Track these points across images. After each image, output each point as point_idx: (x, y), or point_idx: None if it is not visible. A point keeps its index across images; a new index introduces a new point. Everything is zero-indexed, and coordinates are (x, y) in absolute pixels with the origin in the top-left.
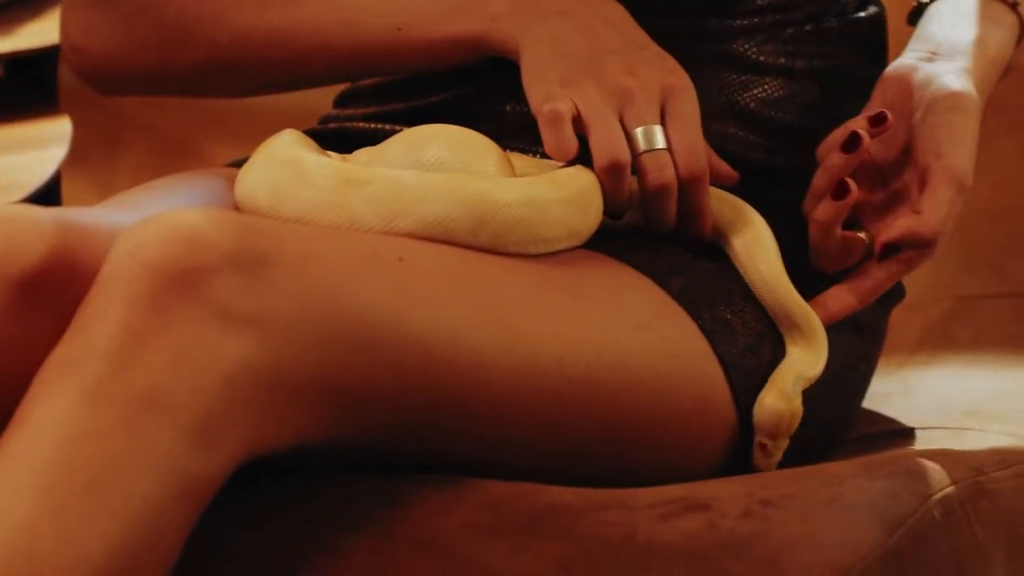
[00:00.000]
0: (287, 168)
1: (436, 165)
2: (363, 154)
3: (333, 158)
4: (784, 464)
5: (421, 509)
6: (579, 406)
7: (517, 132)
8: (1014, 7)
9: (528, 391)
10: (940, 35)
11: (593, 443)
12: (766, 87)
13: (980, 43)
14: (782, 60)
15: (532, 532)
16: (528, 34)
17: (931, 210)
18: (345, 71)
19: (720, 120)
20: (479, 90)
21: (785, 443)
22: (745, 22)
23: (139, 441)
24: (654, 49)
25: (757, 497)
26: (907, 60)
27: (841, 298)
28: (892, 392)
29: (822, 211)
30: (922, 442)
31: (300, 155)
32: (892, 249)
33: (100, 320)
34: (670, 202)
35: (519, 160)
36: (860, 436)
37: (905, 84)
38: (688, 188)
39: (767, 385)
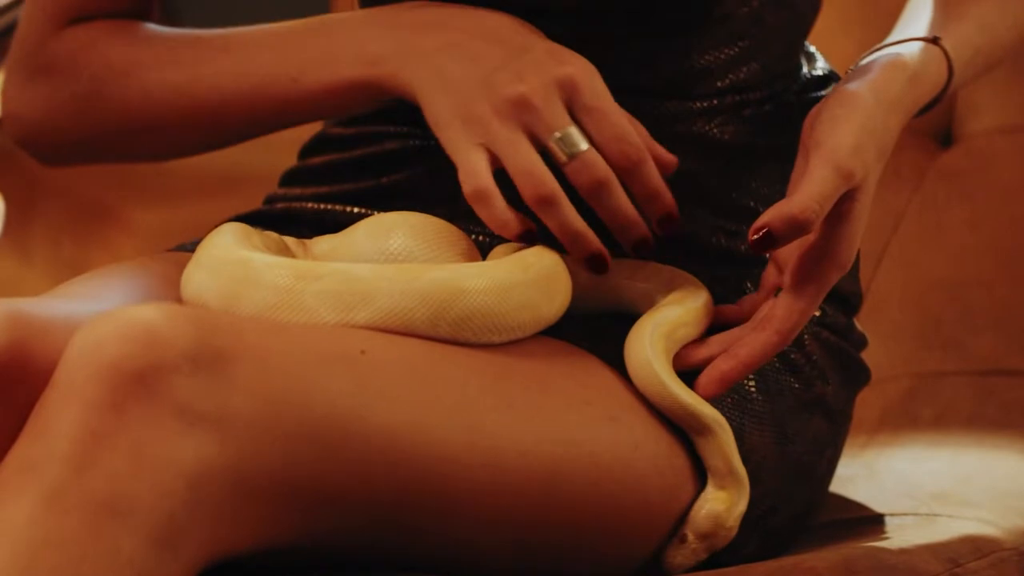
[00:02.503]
0: (235, 269)
1: (403, 255)
2: (325, 241)
3: (288, 243)
4: (753, 553)
5: None
6: (545, 500)
7: (470, 214)
8: (934, 41)
9: (493, 486)
10: (856, 66)
11: (560, 535)
12: (728, 167)
13: (890, 63)
14: (744, 140)
15: None
16: (415, 76)
17: (802, 188)
18: (252, 126)
19: (685, 205)
20: (429, 170)
21: (705, 555)
22: (705, 104)
23: (101, 548)
24: (541, 47)
25: None
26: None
27: (752, 339)
28: (856, 475)
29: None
30: (892, 530)
31: (246, 255)
32: (766, 239)
33: (58, 422)
34: (615, 199)
35: (498, 249)
36: (828, 522)
37: (807, 122)
38: (630, 176)
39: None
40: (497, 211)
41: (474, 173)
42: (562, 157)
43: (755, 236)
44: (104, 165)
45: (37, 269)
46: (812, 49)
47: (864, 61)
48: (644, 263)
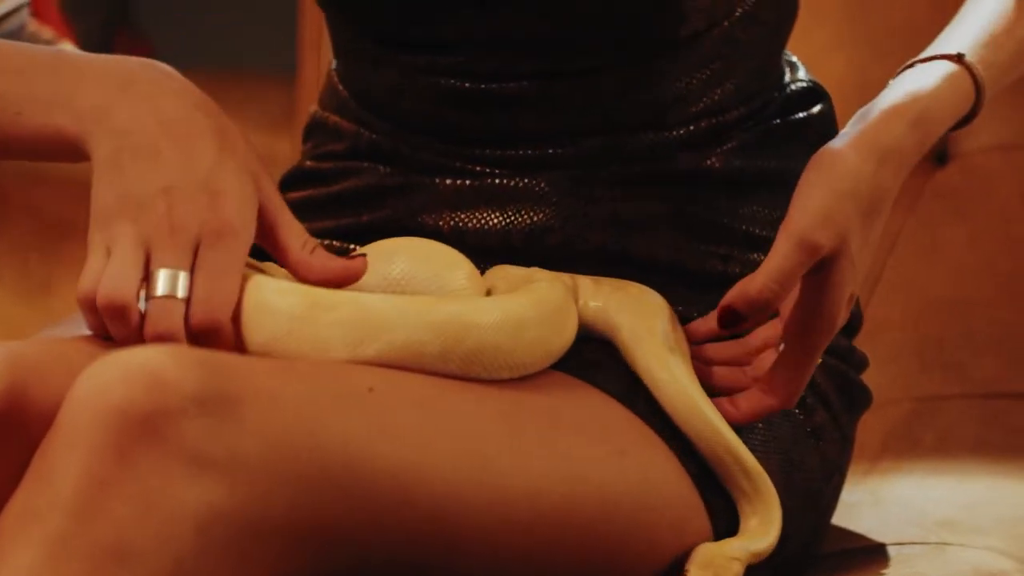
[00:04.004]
0: (247, 294)
1: (405, 280)
2: None
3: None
4: None
5: None
6: (554, 537)
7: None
8: (959, 59)
9: (502, 525)
10: (858, 112)
11: (569, 571)
12: (716, 196)
13: (891, 109)
14: (728, 167)
15: None
16: (97, 149)
17: (763, 266)
18: None
19: (671, 232)
20: (410, 207)
21: None
22: (682, 131)
23: None
24: (219, 180)
25: None
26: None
27: (754, 396)
28: (861, 502)
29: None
30: (902, 560)
31: (259, 279)
32: (732, 315)
33: (62, 468)
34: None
35: (495, 272)
36: (836, 552)
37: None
38: (200, 340)
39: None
40: (132, 328)
41: (89, 270)
42: (156, 291)
43: (720, 315)
44: (69, 180)
45: (5, 287)
46: (794, 59)
47: (877, 100)
48: (601, 280)
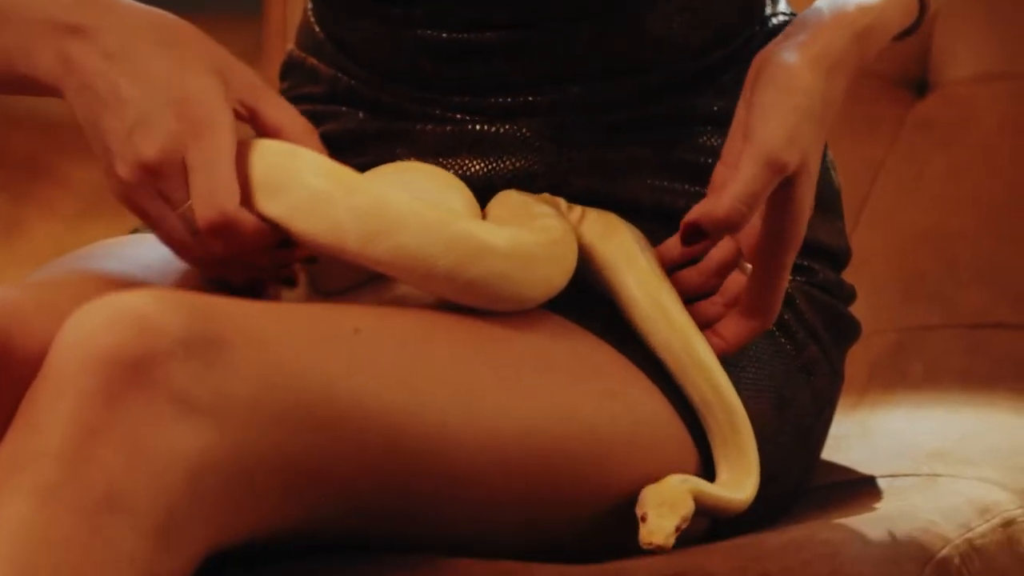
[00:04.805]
0: (280, 159)
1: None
2: None
3: None
4: (754, 521)
5: None
6: (545, 478)
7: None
8: None
9: (493, 465)
10: (799, 16)
11: (561, 512)
12: (699, 136)
13: (835, 19)
14: (714, 108)
15: None
16: (73, 105)
17: (731, 187)
18: None
19: (655, 174)
20: (391, 153)
21: (671, 526)
22: (664, 76)
23: (100, 546)
24: (179, 88)
25: (754, 571)
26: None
27: (735, 322)
28: (849, 434)
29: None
30: (895, 493)
31: (293, 147)
32: (695, 232)
33: (50, 416)
34: (189, 254)
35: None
36: (827, 484)
37: (751, 73)
38: (223, 233)
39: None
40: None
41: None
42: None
43: (684, 232)
44: (37, 118)
45: None
46: None
47: (823, 6)
48: (588, 210)
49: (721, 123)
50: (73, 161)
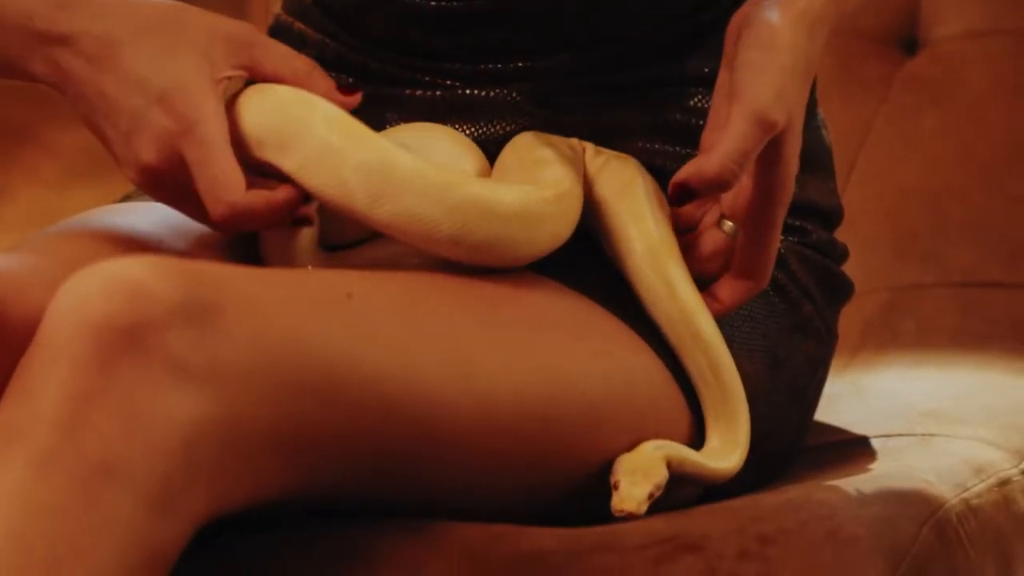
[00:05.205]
0: (297, 110)
1: (417, 150)
2: None
3: None
4: (748, 482)
5: (395, 564)
6: (540, 440)
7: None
8: None
9: (487, 428)
10: None
11: (556, 475)
12: (690, 98)
13: None
14: (705, 70)
15: None
16: (74, 110)
17: (721, 145)
18: None
19: (646, 137)
20: (382, 119)
21: (643, 493)
22: (655, 39)
23: (97, 513)
24: (161, 83)
25: (751, 533)
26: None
27: (730, 283)
28: (842, 393)
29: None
30: (890, 452)
31: (312, 99)
32: (685, 192)
33: (45, 383)
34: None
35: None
36: (821, 444)
37: (731, 32)
38: (245, 219)
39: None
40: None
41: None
42: None
43: (673, 192)
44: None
45: None
46: None
47: None
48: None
49: (712, 84)
50: (58, 126)
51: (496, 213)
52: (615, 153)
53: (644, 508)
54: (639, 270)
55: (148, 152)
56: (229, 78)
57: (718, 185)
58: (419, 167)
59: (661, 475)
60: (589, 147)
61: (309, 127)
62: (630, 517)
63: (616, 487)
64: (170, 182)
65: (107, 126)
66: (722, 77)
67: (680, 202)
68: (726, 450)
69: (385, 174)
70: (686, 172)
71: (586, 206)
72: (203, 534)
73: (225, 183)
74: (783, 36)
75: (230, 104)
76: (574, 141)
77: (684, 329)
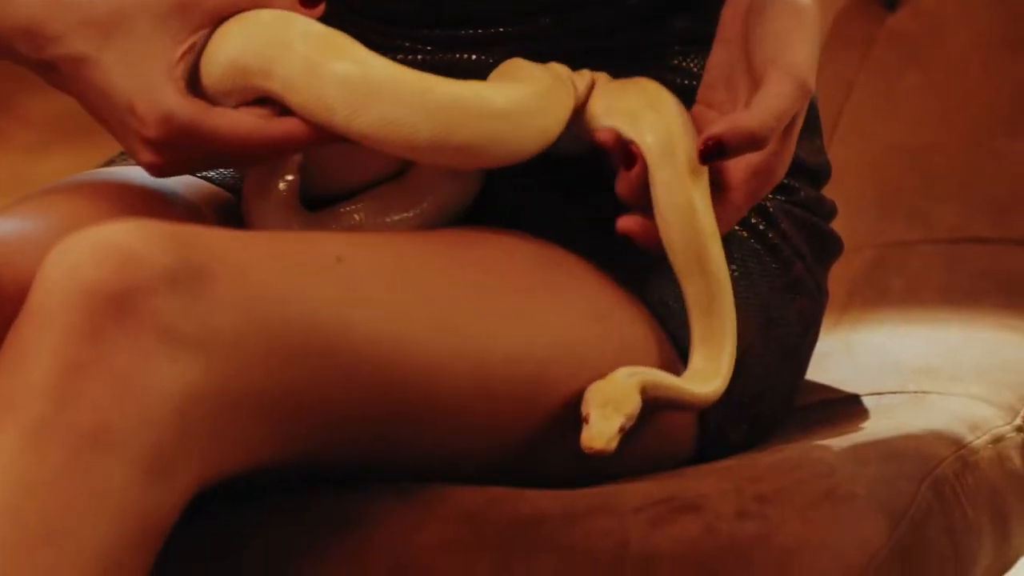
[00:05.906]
0: (274, 32)
1: None
2: None
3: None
4: (741, 441)
5: (390, 528)
6: (532, 403)
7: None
8: None
9: (479, 392)
10: None
11: (549, 437)
12: (672, 58)
13: None
14: (687, 30)
15: (515, 548)
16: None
17: (761, 102)
18: None
19: None
20: None
21: (613, 428)
22: (638, 2)
23: (90, 483)
24: (124, 98)
25: (749, 492)
26: None
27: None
28: (833, 351)
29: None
30: (884, 410)
31: (289, 16)
32: (716, 150)
33: (36, 353)
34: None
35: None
36: (815, 403)
37: (735, 13)
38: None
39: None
40: None
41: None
42: None
43: (705, 146)
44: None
45: None
46: None
47: None
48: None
49: (696, 42)
50: (31, 94)
51: (475, 113)
52: (636, 82)
53: (614, 444)
54: (667, 185)
55: (146, 155)
56: (192, 46)
57: (754, 142)
58: (393, 72)
59: (633, 405)
60: (602, 75)
61: (288, 46)
62: (600, 454)
63: (586, 420)
64: (183, 165)
65: (111, 132)
66: (729, 51)
67: (708, 159)
68: (708, 374)
69: (361, 82)
70: (721, 127)
71: (616, 113)
72: (194, 503)
73: (247, 136)
74: (811, 12)
75: (213, 38)
76: (586, 72)
77: (693, 252)
